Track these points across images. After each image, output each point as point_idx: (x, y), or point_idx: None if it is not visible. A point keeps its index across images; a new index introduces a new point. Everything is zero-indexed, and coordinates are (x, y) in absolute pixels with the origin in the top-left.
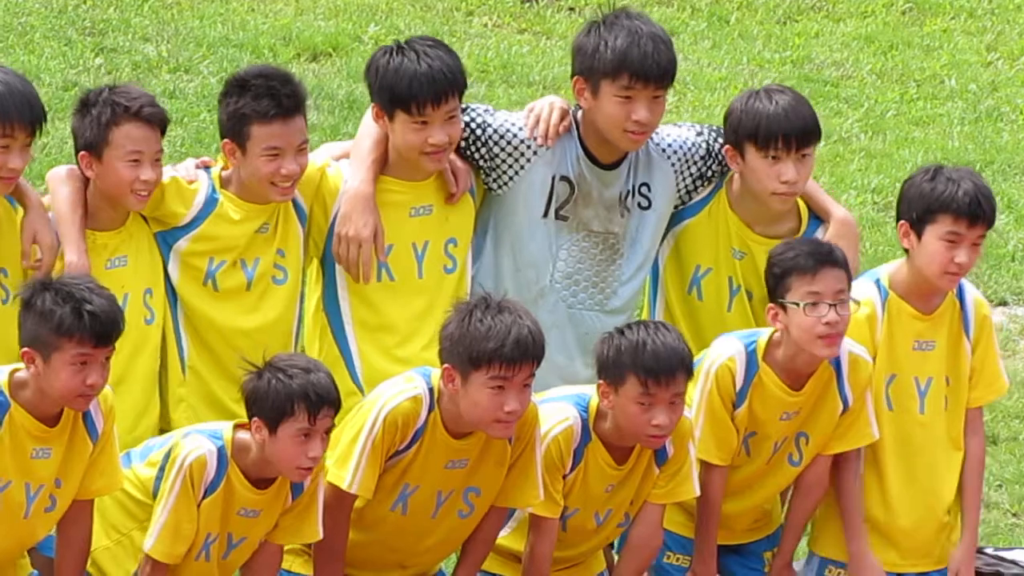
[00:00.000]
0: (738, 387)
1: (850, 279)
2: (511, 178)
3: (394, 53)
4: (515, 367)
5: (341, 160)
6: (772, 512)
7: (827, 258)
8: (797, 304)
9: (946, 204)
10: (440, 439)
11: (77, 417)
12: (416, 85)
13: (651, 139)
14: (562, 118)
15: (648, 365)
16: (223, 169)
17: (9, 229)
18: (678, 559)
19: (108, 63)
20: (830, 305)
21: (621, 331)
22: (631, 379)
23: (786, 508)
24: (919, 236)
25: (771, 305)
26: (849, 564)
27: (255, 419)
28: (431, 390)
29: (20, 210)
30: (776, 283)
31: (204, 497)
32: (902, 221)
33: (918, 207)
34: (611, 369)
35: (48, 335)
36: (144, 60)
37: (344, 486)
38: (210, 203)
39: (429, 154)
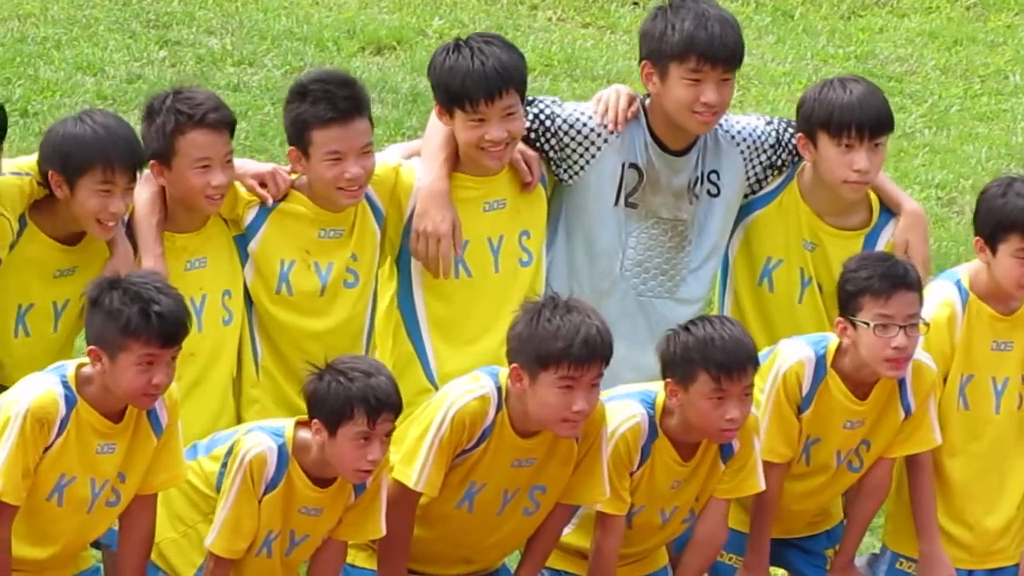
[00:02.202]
0: (804, 392)
1: (922, 301)
2: (582, 168)
3: (451, 51)
4: (583, 367)
5: (412, 158)
6: (831, 509)
7: (901, 281)
8: (867, 324)
9: (1016, 222)
10: (507, 438)
11: (141, 412)
12: (469, 82)
13: (720, 126)
14: (630, 103)
15: (719, 360)
16: (296, 175)
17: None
18: (731, 559)
19: (172, 56)
20: (900, 327)
21: (686, 328)
22: (702, 375)
23: (849, 508)
24: (993, 252)
25: (840, 319)
26: (920, 562)
27: (315, 421)
28: (499, 389)
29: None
30: (848, 299)
31: (265, 494)
32: (977, 237)
33: (990, 223)
34: (680, 366)
35: (115, 334)
36: (208, 53)
37: (410, 484)
38: (266, 208)
39: (487, 151)
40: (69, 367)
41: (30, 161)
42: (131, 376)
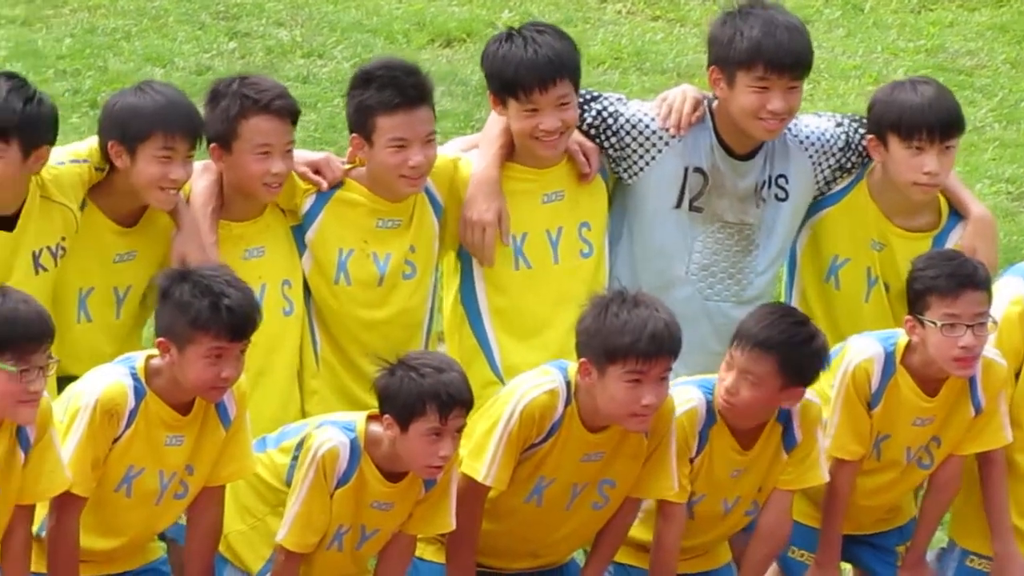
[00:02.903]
0: (874, 388)
1: (991, 299)
2: (641, 168)
3: (504, 40)
4: (651, 361)
5: (471, 151)
6: (902, 505)
7: (968, 281)
8: (935, 323)
9: None
10: (576, 432)
11: (210, 404)
12: (522, 72)
13: (789, 130)
14: (695, 108)
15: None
16: (351, 165)
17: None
18: (802, 555)
19: (241, 48)
20: (968, 326)
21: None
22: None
23: (919, 505)
24: None
25: (909, 317)
26: (995, 562)
27: (386, 416)
28: (567, 383)
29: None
30: (916, 298)
31: (336, 488)
32: None
33: None
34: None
35: (184, 327)
36: (277, 45)
37: (479, 478)
38: (324, 195)
39: (541, 140)
40: (138, 359)
41: (86, 146)
42: (199, 369)
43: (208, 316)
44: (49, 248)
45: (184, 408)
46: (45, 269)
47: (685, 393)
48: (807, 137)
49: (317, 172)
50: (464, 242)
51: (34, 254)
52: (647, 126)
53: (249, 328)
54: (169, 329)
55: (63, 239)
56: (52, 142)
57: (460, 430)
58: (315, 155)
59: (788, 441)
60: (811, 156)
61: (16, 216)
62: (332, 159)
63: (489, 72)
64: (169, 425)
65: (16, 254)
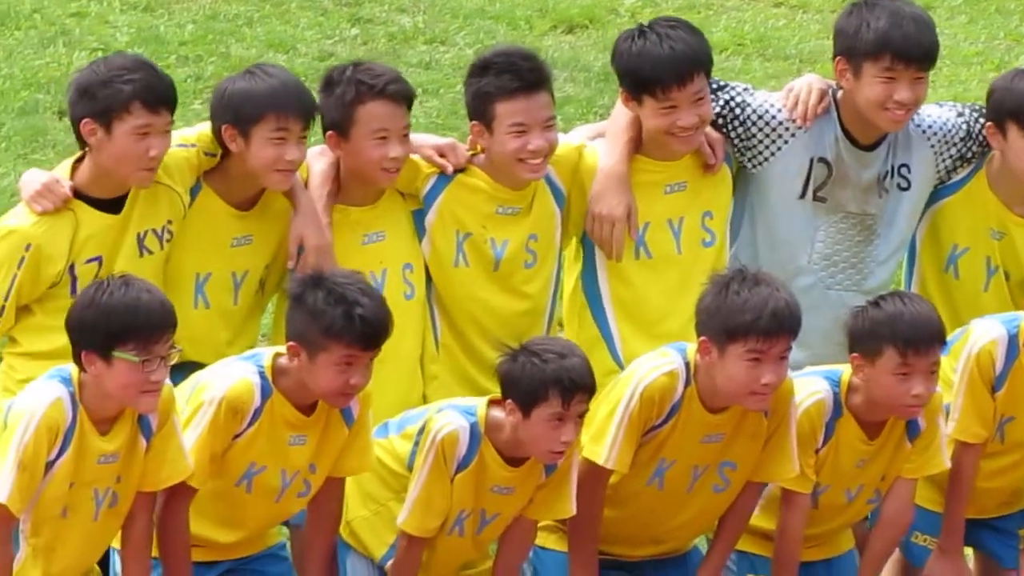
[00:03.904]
0: (998, 371)
1: None
2: (766, 158)
3: (636, 37)
4: (772, 339)
5: (596, 140)
6: (1023, 488)
7: None
8: None
9: None
10: (696, 413)
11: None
12: (660, 69)
13: (911, 120)
14: (821, 98)
15: (907, 335)
16: (472, 153)
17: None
18: (925, 540)
19: (363, 34)
20: None
21: (875, 303)
22: (889, 350)
23: None
24: None
25: None
26: None
27: (508, 401)
28: (686, 364)
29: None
30: None
31: (456, 472)
32: None
33: None
34: (867, 341)
35: (316, 334)
36: (400, 31)
37: (600, 461)
38: (444, 178)
39: (677, 136)
40: (265, 356)
41: (195, 132)
42: (330, 376)
43: (342, 325)
44: (154, 231)
45: (308, 409)
46: (150, 252)
47: (812, 385)
48: (929, 127)
49: (442, 155)
50: (592, 236)
51: (139, 236)
52: (773, 116)
53: (382, 337)
54: (301, 335)
55: (169, 222)
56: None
57: (582, 416)
58: (441, 140)
59: (912, 430)
60: (933, 146)
61: (123, 199)
62: (457, 144)
63: (624, 70)
64: (293, 425)
65: (122, 237)
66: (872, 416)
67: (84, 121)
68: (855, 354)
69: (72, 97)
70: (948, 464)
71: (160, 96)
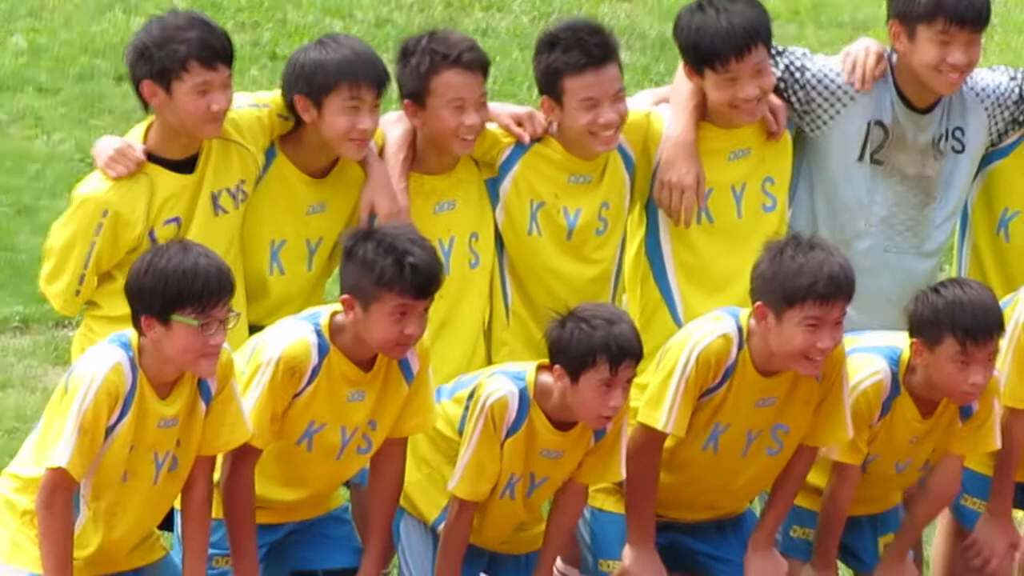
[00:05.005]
0: None
1: None
2: (825, 123)
3: (696, 11)
4: (828, 304)
5: (660, 105)
6: None
7: None
8: None
9: None
10: (750, 377)
11: (392, 360)
12: (719, 41)
13: (965, 83)
14: (878, 62)
15: (967, 325)
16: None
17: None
18: (975, 503)
19: (420, 1)
20: None
21: (936, 290)
22: (949, 339)
23: None
24: None
25: None
26: None
27: (557, 367)
28: (739, 329)
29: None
30: None
31: (506, 437)
32: None
33: None
34: (927, 328)
35: (369, 285)
36: None
37: (659, 426)
38: (520, 148)
39: (740, 108)
40: (323, 315)
41: (269, 95)
42: (384, 326)
43: (393, 274)
44: (228, 190)
45: (367, 364)
46: (225, 211)
47: (872, 364)
48: (983, 90)
49: (519, 124)
50: (661, 203)
51: (213, 195)
52: (832, 81)
53: (433, 286)
54: (354, 287)
55: (243, 182)
56: None
57: (630, 381)
58: (519, 109)
59: (965, 410)
60: (987, 109)
61: (195, 159)
62: (536, 113)
63: (684, 44)
64: (352, 381)
65: (197, 196)
66: (928, 396)
67: (144, 83)
68: (915, 339)
69: (130, 59)
70: (999, 444)
71: (216, 52)
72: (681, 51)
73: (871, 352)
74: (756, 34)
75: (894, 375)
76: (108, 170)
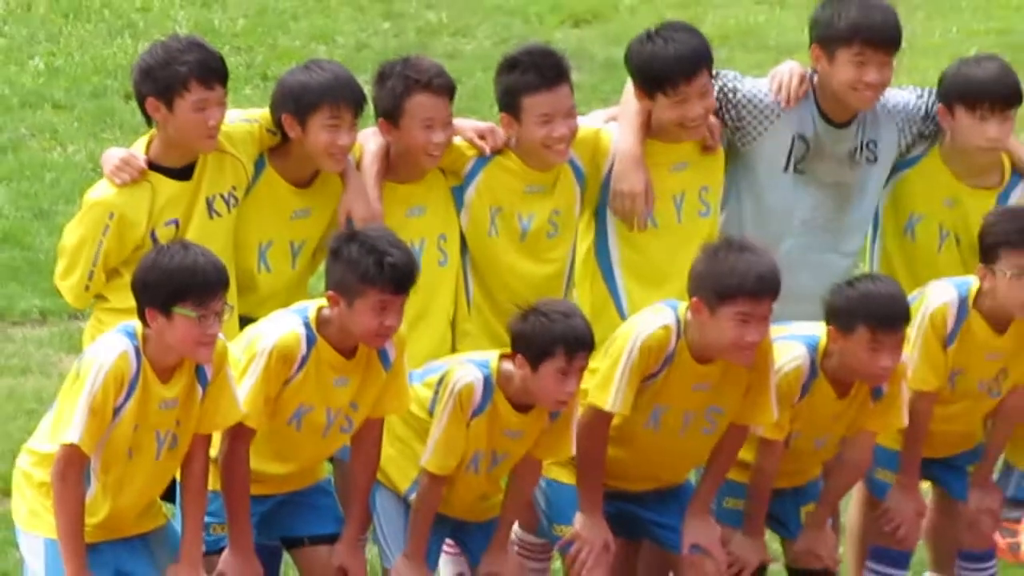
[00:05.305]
0: (949, 329)
1: None
2: (755, 138)
3: (646, 41)
4: (757, 301)
5: (610, 123)
6: (974, 431)
7: None
8: (1005, 273)
9: None
10: (687, 364)
11: (372, 349)
12: (669, 67)
13: (878, 101)
14: (801, 82)
15: (878, 316)
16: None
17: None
18: (885, 475)
19: (395, 27)
20: None
21: (850, 283)
22: (861, 327)
23: (988, 431)
24: None
25: (981, 266)
26: None
27: (519, 356)
28: (678, 320)
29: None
30: (987, 250)
31: (472, 418)
32: None
33: None
34: (842, 317)
35: (353, 282)
36: (427, 25)
37: (607, 407)
38: (483, 159)
39: (687, 128)
40: (310, 309)
41: (259, 112)
42: (367, 319)
43: (375, 272)
44: (222, 195)
45: (350, 353)
46: (219, 215)
47: (793, 350)
48: (894, 107)
49: (482, 137)
50: (615, 210)
51: (208, 200)
52: (761, 100)
53: (410, 282)
54: (339, 284)
55: (234, 188)
56: None
57: (583, 369)
58: (481, 124)
59: (876, 391)
60: (897, 124)
61: (192, 168)
62: (496, 128)
63: (637, 70)
64: (336, 368)
65: (194, 201)
66: (843, 378)
67: (148, 100)
68: (831, 327)
69: (136, 79)
70: (907, 422)
71: (213, 72)
72: (633, 76)
73: (792, 340)
74: (701, 59)
75: (812, 360)
76: (114, 177)
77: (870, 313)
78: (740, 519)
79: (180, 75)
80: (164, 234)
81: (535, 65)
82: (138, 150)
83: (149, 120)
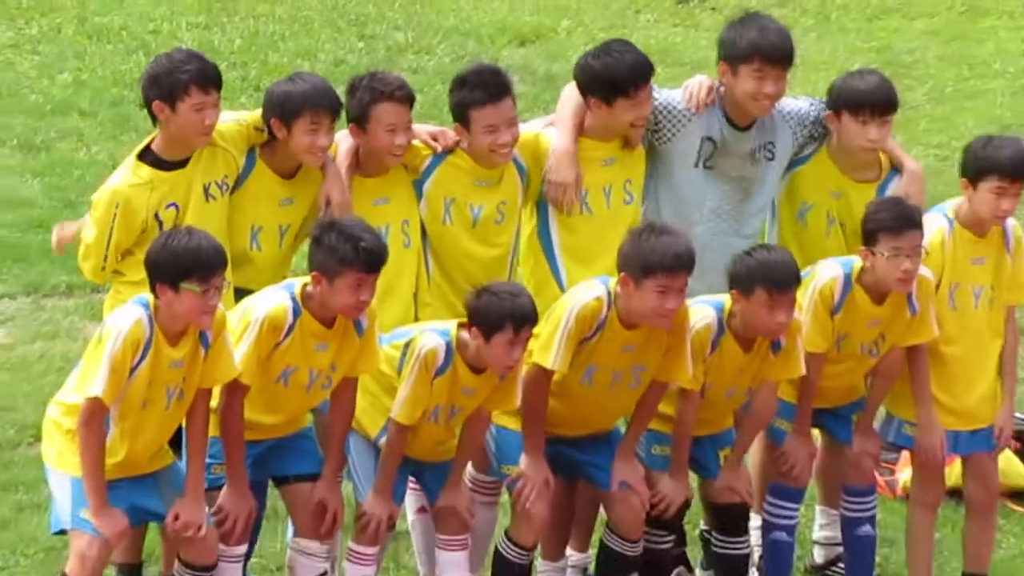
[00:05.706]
0: (836, 300)
1: (923, 234)
2: (669, 139)
3: (599, 56)
4: (674, 275)
5: (547, 127)
6: (857, 385)
7: (909, 222)
8: (883, 254)
9: (993, 166)
10: (616, 329)
11: (349, 319)
12: (630, 73)
13: (775, 108)
14: (709, 92)
15: (772, 278)
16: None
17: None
18: (783, 424)
19: (367, 46)
20: (907, 255)
21: (748, 253)
22: (759, 289)
23: (869, 386)
24: (974, 188)
25: (863, 248)
26: (918, 425)
27: (473, 328)
28: (609, 292)
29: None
30: (868, 234)
31: (435, 377)
32: (963, 178)
33: (973, 168)
34: (743, 282)
35: (333, 264)
36: (395, 44)
37: (548, 365)
38: (439, 157)
39: (636, 127)
40: (296, 285)
41: (248, 114)
42: (345, 295)
43: (351, 255)
44: (216, 182)
45: (329, 323)
46: (214, 198)
47: (702, 312)
48: (788, 113)
49: (435, 139)
50: (550, 199)
51: (204, 186)
52: (675, 107)
53: (381, 263)
54: (321, 265)
55: (226, 176)
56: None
57: (528, 340)
58: (434, 128)
59: (775, 345)
60: (791, 127)
61: (188, 160)
62: (447, 131)
63: (598, 78)
64: (318, 336)
65: (191, 187)
66: (746, 335)
67: (155, 102)
68: (734, 291)
69: (144, 84)
70: (803, 370)
71: (210, 80)
72: (590, 86)
73: (703, 303)
74: (650, 67)
75: (720, 320)
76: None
77: (766, 276)
78: (666, 464)
79: (182, 81)
80: (166, 216)
81: (482, 83)
82: (137, 151)
83: (154, 120)
